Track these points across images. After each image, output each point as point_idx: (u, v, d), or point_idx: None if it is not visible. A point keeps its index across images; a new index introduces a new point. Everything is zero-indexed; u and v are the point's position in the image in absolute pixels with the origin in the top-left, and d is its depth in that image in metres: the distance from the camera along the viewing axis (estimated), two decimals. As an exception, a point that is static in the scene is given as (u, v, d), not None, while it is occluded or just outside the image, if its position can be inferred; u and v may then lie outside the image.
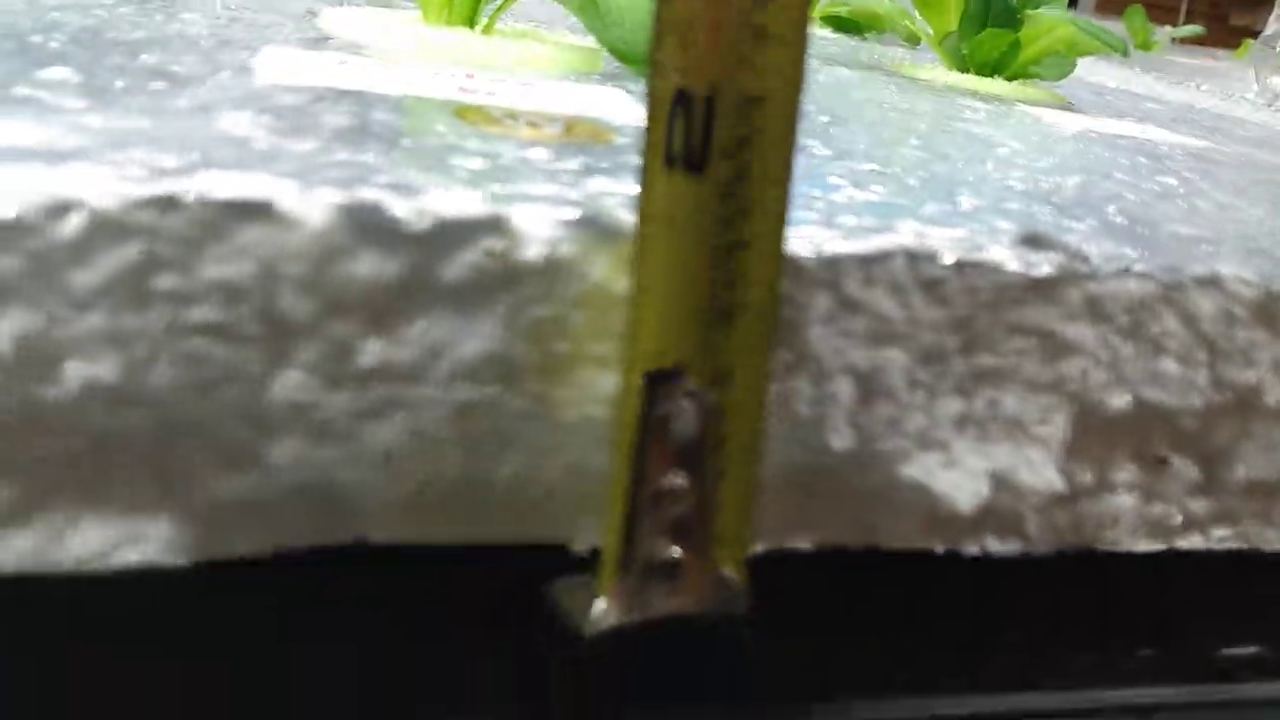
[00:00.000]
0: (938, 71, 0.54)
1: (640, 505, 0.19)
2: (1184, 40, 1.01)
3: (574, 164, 0.24)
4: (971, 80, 0.53)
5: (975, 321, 0.22)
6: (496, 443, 0.21)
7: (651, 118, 0.17)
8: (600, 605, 0.20)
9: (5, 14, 0.30)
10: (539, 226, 0.19)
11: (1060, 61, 0.55)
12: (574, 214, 0.20)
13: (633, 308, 0.18)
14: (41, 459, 0.19)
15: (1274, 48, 0.90)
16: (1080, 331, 0.23)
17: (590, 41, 0.41)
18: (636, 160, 0.25)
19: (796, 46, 0.17)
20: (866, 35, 0.84)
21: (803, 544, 0.23)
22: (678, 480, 0.19)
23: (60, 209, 0.17)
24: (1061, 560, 0.26)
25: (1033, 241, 0.22)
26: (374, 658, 0.22)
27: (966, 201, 0.27)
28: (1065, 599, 0.27)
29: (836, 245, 0.21)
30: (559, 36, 0.44)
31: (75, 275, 0.17)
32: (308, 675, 0.22)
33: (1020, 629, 0.27)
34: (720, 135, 0.18)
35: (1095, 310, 0.23)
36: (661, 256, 0.18)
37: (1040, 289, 0.22)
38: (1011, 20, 0.53)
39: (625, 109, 0.32)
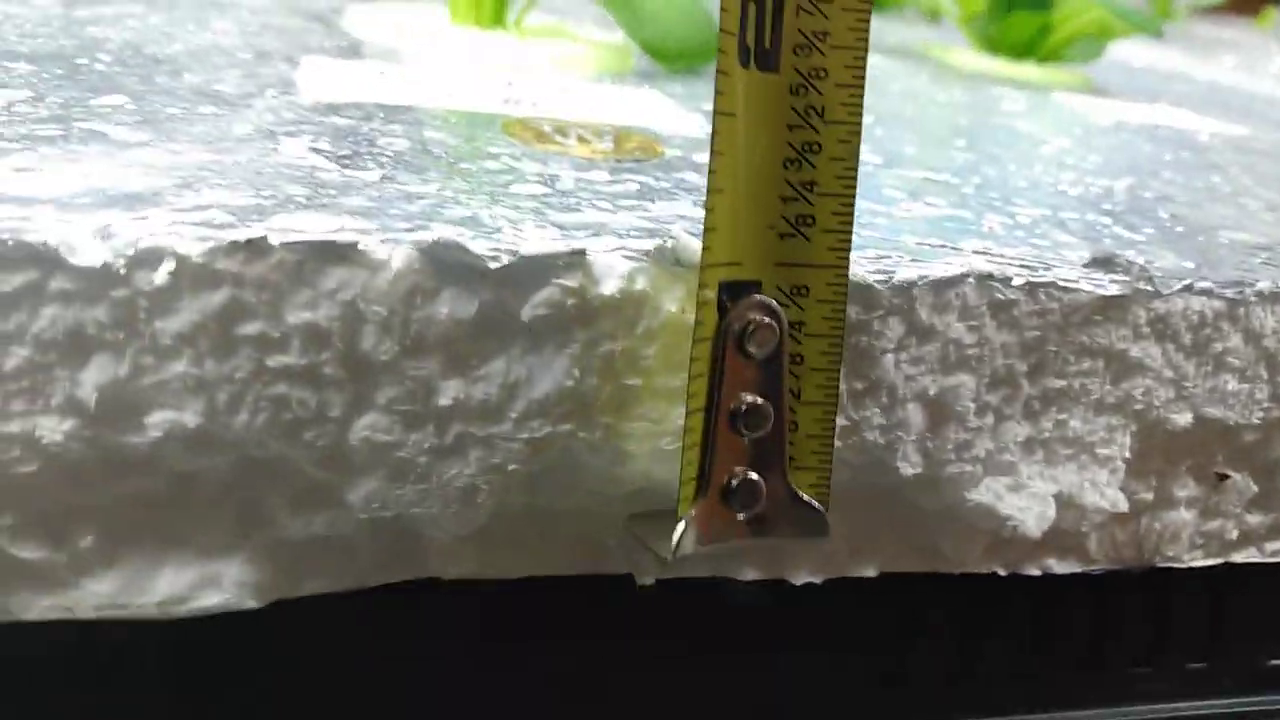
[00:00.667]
0: (966, 55, 0.54)
1: (717, 425, 0.18)
2: (1203, 10, 1.00)
3: (633, 186, 0.24)
4: (1002, 65, 0.52)
5: (1044, 343, 0.22)
6: (565, 476, 0.21)
7: (724, 7, 0.17)
8: (679, 529, 0.19)
9: (45, 32, 0.30)
10: (614, 262, 0.19)
11: (1091, 44, 0.55)
12: (647, 246, 0.19)
13: (708, 213, 0.18)
14: (121, 503, 0.19)
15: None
16: (1146, 350, 0.23)
17: (618, 36, 0.40)
18: (693, 178, 0.25)
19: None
20: (884, 8, 0.83)
21: (868, 571, 0.23)
22: (755, 399, 0.18)
23: (147, 258, 0.17)
24: (1113, 577, 0.26)
25: (1102, 264, 0.22)
26: (437, 690, 0.23)
27: (1024, 212, 0.26)
28: (1116, 615, 0.27)
29: (906, 271, 0.20)
30: (587, 32, 0.43)
31: (161, 323, 0.17)
32: (373, 710, 0.22)
33: (1071, 646, 0.27)
34: (790, 29, 0.17)
35: (1161, 328, 0.23)
36: (735, 155, 0.18)
37: (1108, 309, 0.22)
38: (1041, 1, 0.52)
39: (668, 114, 0.31)
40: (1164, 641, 0.28)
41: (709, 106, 0.33)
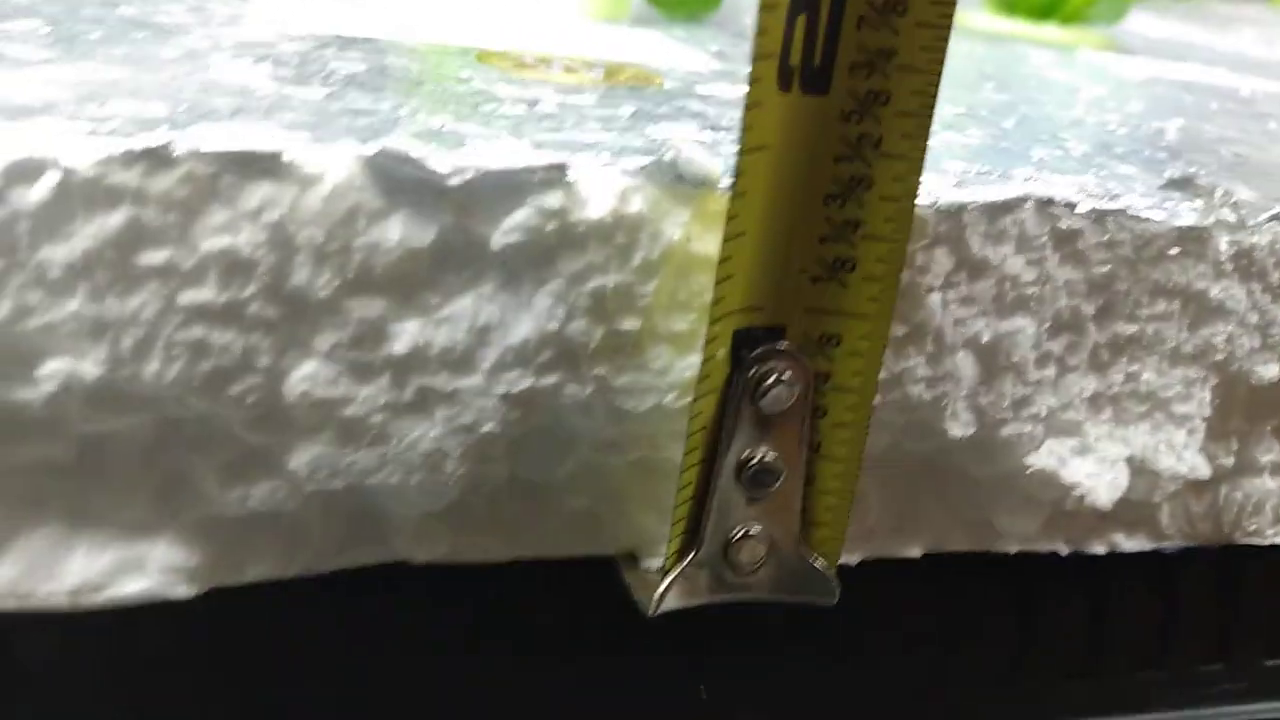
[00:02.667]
0: (983, 17, 0.51)
1: (719, 479, 0.16)
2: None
3: (626, 109, 0.21)
4: (1022, 27, 0.49)
5: (1114, 281, 0.18)
6: (553, 440, 0.17)
7: (763, 23, 0.14)
8: (663, 586, 0.17)
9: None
10: (602, 178, 0.16)
11: (1112, 4, 0.51)
12: (643, 162, 0.16)
13: (724, 260, 0.15)
14: (18, 473, 0.16)
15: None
16: (1228, 290, 0.19)
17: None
18: (696, 105, 0.22)
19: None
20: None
21: (912, 551, 0.20)
22: (766, 455, 0.16)
23: (26, 171, 0.14)
24: (1183, 555, 0.23)
25: (1180, 185, 0.19)
26: (407, 695, 0.19)
27: (1074, 146, 0.23)
28: (1185, 601, 0.24)
29: (954, 194, 0.17)
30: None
31: (48, 251, 0.14)
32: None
33: (1133, 638, 0.24)
34: (848, 45, 0.14)
35: (1245, 265, 0.19)
36: (765, 191, 0.15)
37: (1185, 241, 0.19)
38: (1062, -40, 0.49)
39: (668, 52, 0.28)
40: (1238, 633, 0.24)
41: (715, 48, 0.30)
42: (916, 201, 0.17)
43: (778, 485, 0.17)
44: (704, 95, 0.23)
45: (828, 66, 0.14)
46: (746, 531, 0.17)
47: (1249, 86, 0.42)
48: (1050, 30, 0.49)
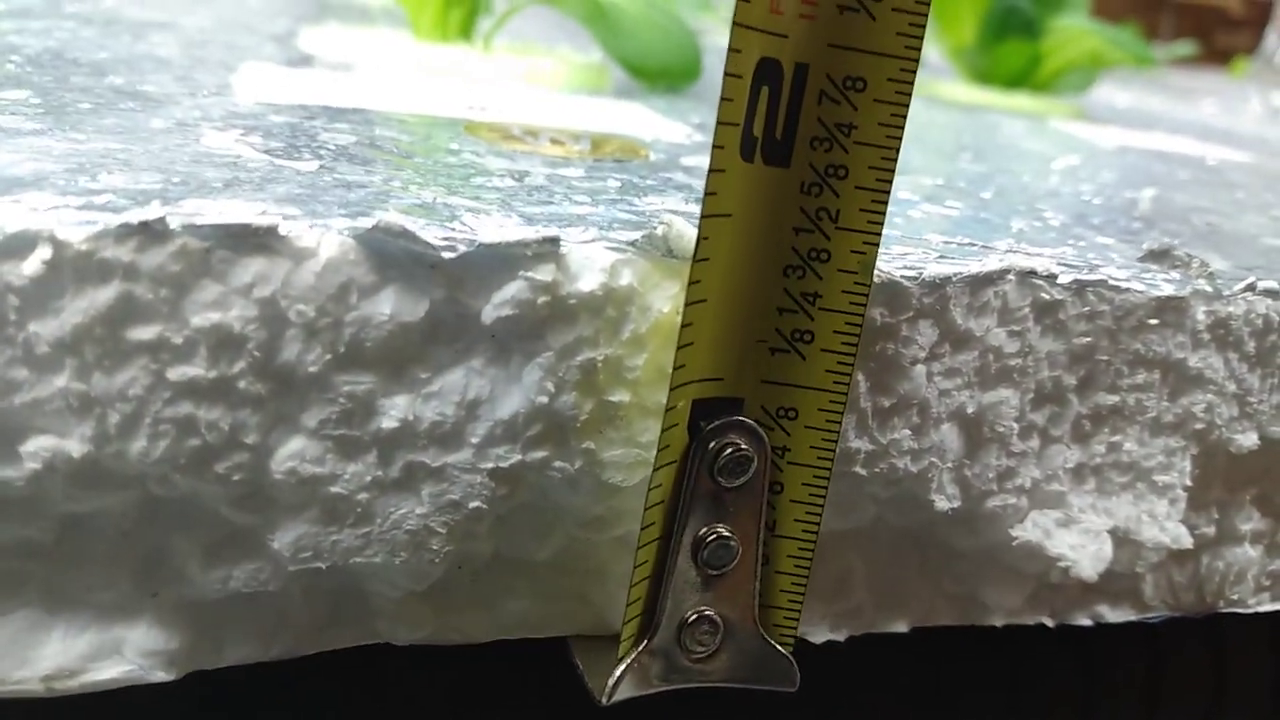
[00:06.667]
0: (957, 87, 0.52)
1: (677, 553, 0.16)
2: (1177, 60, 1.00)
3: (614, 183, 0.21)
4: (994, 96, 0.50)
5: (1095, 352, 0.19)
6: (538, 516, 0.17)
7: (728, 90, 0.14)
8: (617, 673, 0.16)
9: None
10: (593, 253, 0.16)
11: (1082, 75, 0.53)
12: (633, 235, 0.16)
13: (685, 327, 0.15)
14: (-7, 553, 0.15)
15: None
16: (1206, 360, 0.20)
17: (594, 57, 0.38)
18: (681, 178, 0.23)
19: (911, 16, 0.14)
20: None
21: (898, 626, 0.19)
22: (722, 531, 0.16)
23: (16, 245, 0.14)
24: (1167, 626, 0.23)
25: (1159, 257, 0.19)
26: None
27: (1052, 217, 0.24)
28: (1170, 672, 0.24)
29: (937, 267, 0.17)
30: (561, 53, 0.41)
31: (36, 326, 0.14)
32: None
33: (1125, 707, 0.24)
34: (809, 119, 0.14)
35: (1222, 335, 0.20)
36: (726, 260, 0.15)
37: (1164, 311, 0.19)
38: (1031, 30, 0.51)
39: (650, 123, 0.29)
40: (1225, 702, 0.24)
41: (697, 119, 0.30)
42: (897, 275, 0.17)
43: (733, 565, 0.16)
44: (688, 167, 0.23)
45: (789, 139, 0.15)
46: (701, 614, 0.17)
47: (1215, 155, 0.43)
48: (1021, 99, 0.50)
